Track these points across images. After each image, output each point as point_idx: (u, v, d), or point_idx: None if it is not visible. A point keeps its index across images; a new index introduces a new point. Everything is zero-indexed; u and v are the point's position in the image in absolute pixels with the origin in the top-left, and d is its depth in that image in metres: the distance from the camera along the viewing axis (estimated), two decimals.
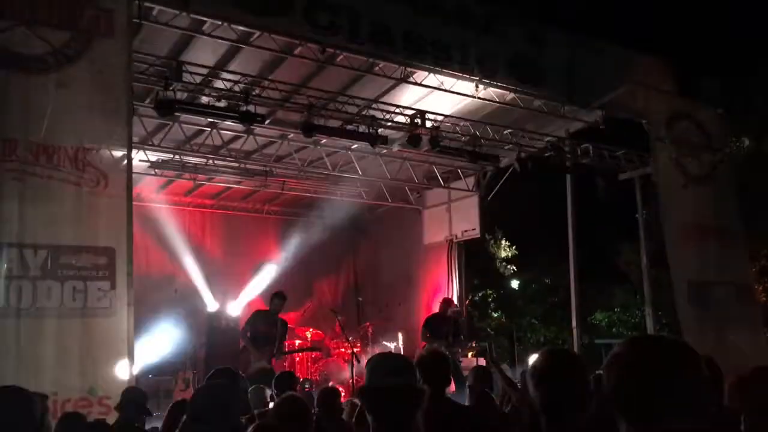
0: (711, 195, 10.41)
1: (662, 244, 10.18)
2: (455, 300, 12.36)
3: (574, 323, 11.75)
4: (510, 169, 11.57)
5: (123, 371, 5.95)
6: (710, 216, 10.27)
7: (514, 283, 19.88)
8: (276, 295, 9.38)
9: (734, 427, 2.99)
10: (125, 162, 6.51)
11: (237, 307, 12.73)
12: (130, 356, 6.13)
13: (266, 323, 9.12)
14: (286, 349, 9.95)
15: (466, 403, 5.35)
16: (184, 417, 2.42)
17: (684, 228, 9.94)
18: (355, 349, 10.59)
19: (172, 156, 10.75)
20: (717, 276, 10.01)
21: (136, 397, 4.90)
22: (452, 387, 8.93)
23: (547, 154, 10.87)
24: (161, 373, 10.64)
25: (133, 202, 7.41)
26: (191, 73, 8.10)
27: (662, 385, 1.67)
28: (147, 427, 5.51)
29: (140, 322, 10.24)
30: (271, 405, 5.90)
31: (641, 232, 11.60)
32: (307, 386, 8.99)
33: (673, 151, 10.16)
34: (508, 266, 19.27)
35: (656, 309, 11.62)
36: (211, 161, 11.05)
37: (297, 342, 11.55)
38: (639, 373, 1.70)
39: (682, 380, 1.68)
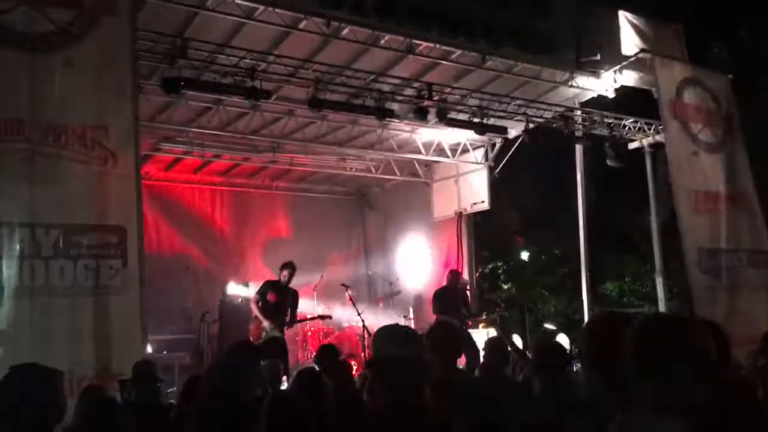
0: (722, 162, 10.31)
1: (673, 213, 10.13)
2: (465, 272, 12.40)
3: (584, 293, 11.76)
4: (519, 141, 11.51)
5: (136, 348, 6.02)
6: (722, 183, 10.19)
7: (524, 255, 19.86)
8: (285, 266, 9.43)
9: (751, 393, 3.01)
10: (133, 140, 6.52)
11: (248, 283, 12.80)
12: (143, 333, 6.20)
13: (276, 292, 9.20)
14: (298, 318, 10.02)
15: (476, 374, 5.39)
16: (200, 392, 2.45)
17: (695, 195, 9.87)
18: (366, 323, 10.67)
19: (179, 134, 10.76)
20: (729, 243, 9.96)
21: (148, 371, 4.94)
22: (463, 359, 9.00)
23: (556, 124, 10.80)
24: (175, 350, 10.75)
25: (142, 181, 7.46)
26: (196, 50, 8.07)
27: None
28: (164, 400, 5.60)
29: (153, 300, 10.37)
30: (285, 379, 5.98)
31: (652, 201, 11.53)
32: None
33: (683, 118, 10.06)
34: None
35: (667, 278, 11.59)
36: (218, 138, 11.05)
37: (308, 315, 11.61)
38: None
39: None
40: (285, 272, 9.36)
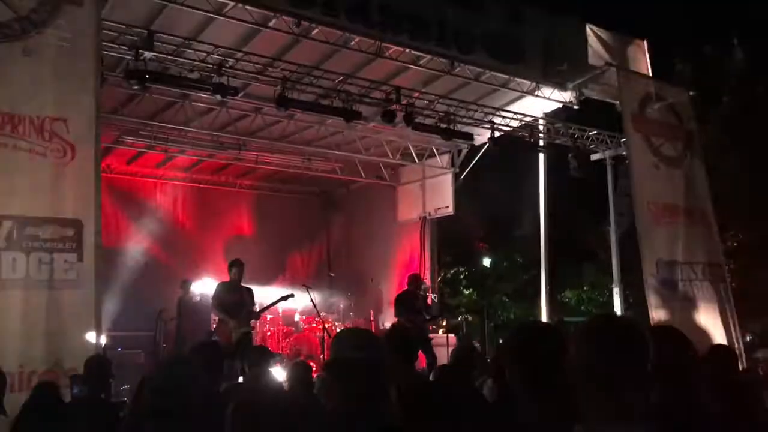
0: (682, 176, 10.53)
1: (632, 225, 10.30)
2: (427, 277, 12.45)
3: (543, 301, 11.90)
4: (484, 147, 11.60)
5: (90, 344, 5.89)
6: (681, 196, 10.40)
7: (486, 261, 20.02)
8: (233, 264, 9.35)
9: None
10: (93, 132, 6.38)
11: (208, 281, 12.65)
12: (98, 329, 6.07)
13: (231, 292, 9.14)
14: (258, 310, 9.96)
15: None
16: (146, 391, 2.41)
17: (654, 208, 10.06)
18: (326, 325, 10.63)
19: (143, 127, 10.59)
20: (686, 256, 10.17)
21: (100, 367, 4.83)
22: (423, 362, 9.03)
23: (521, 133, 10.92)
24: (131, 347, 10.57)
25: (103, 174, 7.32)
26: (163, 43, 7.95)
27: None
28: (116, 399, 5.49)
29: (109, 295, 10.20)
30: (241, 378, 5.92)
31: (611, 212, 11.73)
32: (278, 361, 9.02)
33: (645, 132, 10.25)
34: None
35: (624, 288, 11.79)
36: (183, 133, 10.91)
37: (268, 317, 11.52)
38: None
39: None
40: (234, 270, 9.30)
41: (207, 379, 2.31)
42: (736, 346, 9.69)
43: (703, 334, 9.18)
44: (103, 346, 6.37)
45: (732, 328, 10.15)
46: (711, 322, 9.93)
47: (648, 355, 1.73)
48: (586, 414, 1.74)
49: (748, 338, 11.99)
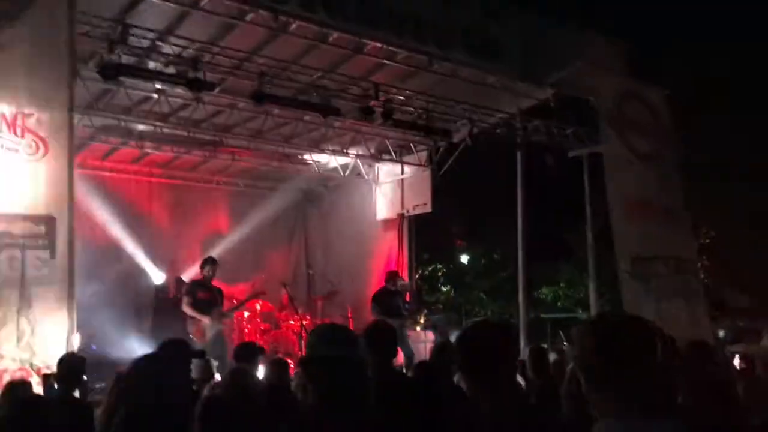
0: (656, 173, 10.66)
1: (608, 221, 10.40)
2: (405, 274, 12.45)
3: (520, 297, 11.96)
4: (462, 144, 11.62)
5: (63, 341, 5.81)
6: (655, 193, 10.53)
7: (464, 258, 20.11)
8: (206, 262, 9.34)
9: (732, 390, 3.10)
10: (67, 128, 6.29)
11: (184, 279, 12.54)
12: (71, 326, 5.99)
13: (204, 290, 9.16)
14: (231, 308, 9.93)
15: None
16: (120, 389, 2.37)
17: (629, 204, 10.17)
18: (304, 322, 10.60)
19: (117, 122, 10.44)
20: (659, 251, 10.29)
21: (73, 366, 4.75)
22: (401, 358, 9.04)
23: (498, 130, 10.96)
24: (106, 344, 10.43)
25: (77, 169, 7.19)
26: (137, 36, 7.84)
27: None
28: (92, 397, 5.40)
29: (84, 292, 10.04)
30: (218, 376, 5.87)
31: (588, 209, 11.82)
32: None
33: (620, 129, 10.34)
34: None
35: (599, 284, 11.90)
36: (158, 129, 10.78)
37: (246, 314, 11.45)
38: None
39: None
40: (207, 268, 9.30)
41: (180, 376, 2.27)
42: (709, 341, 9.83)
43: (677, 329, 9.29)
44: (77, 344, 6.27)
45: (704, 324, 10.30)
46: (684, 317, 10.07)
47: (655, 348, 1.72)
48: (603, 411, 1.71)
49: (720, 333, 12.17)
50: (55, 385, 4.76)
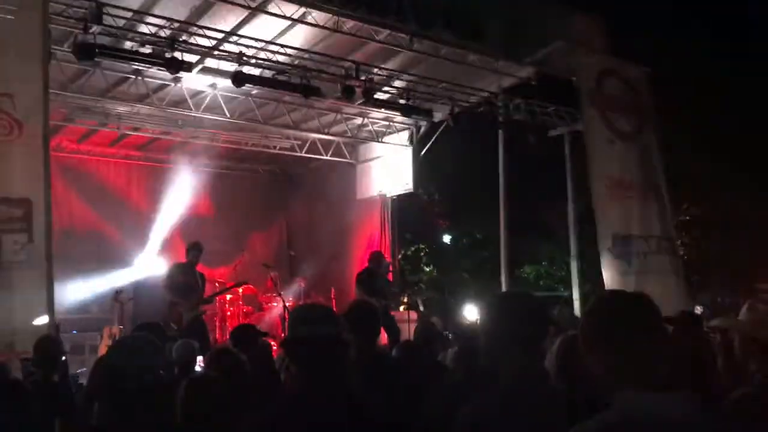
0: (636, 151, 10.71)
1: (589, 199, 10.45)
2: (388, 254, 12.45)
3: (503, 276, 12.02)
4: (443, 124, 11.59)
5: (42, 326, 5.75)
6: (635, 171, 10.58)
7: (446, 238, 20.15)
8: (192, 247, 9.26)
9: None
10: (41, 109, 6.17)
11: (164, 262, 12.45)
12: (50, 310, 5.92)
13: (185, 274, 9.06)
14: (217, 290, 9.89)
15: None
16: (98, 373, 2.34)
17: (610, 183, 10.21)
18: (287, 304, 10.58)
19: (94, 104, 10.28)
20: (640, 230, 10.37)
21: (47, 348, 4.68)
22: (384, 339, 9.05)
23: (479, 110, 10.93)
24: (87, 329, 10.35)
25: (54, 153, 7.09)
26: (113, 16, 7.69)
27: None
28: (73, 382, 5.36)
29: (63, 277, 9.91)
30: (200, 358, 5.84)
31: (569, 188, 11.87)
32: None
33: (601, 107, 10.36)
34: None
35: (581, 262, 11.99)
36: (136, 110, 10.63)
37: (228, 297, 11.40)
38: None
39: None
40: (192, 253, 9.25)
41: (156, 358, 2.25)
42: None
43: (658, 305, 9.39)
44: (56, 327, 6.21)
45: (685, 300, 10.42)
46: (665, 294, 10.17)
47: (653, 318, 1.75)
48: (618, 381, 1.73)
49: (698, 309, 12.32)
50: (33, 369, 4.71)
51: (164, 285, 9.17)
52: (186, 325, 8.65)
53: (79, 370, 8.04)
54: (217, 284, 10.67)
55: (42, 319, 5.79)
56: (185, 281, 8.97)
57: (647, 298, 1.82)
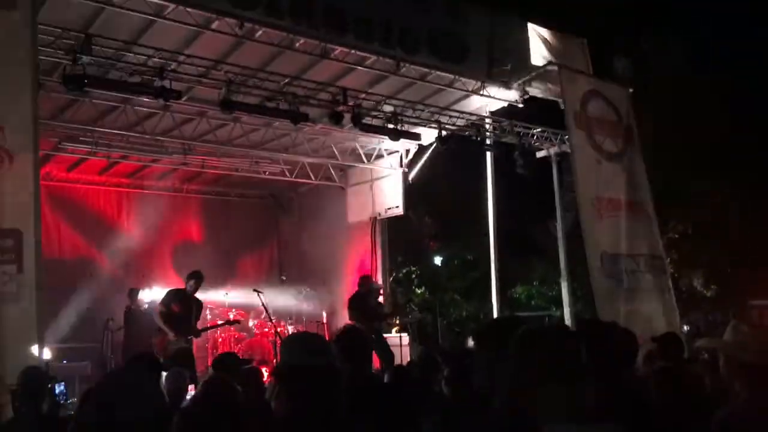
0: (623, 170, 10.80)
1: (578, 220, 10.52)
2: (379, 276, 12.47)
3: (494, 297, 12.05)
4: (432, 147, 11.68)
5: (33, 358, 5.71)
6: (622, 190, 10.66)
7: (437, 259, 20.18)
8: (192, 275, 9.10)
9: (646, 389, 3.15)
10: (31, 139, 6.19)
11: (156, 290, 12.40)
12: (40, 342, 5.88)
13: (181, 303, 8.89)
14: (208, 325, 9.79)
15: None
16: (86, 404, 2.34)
17: (598, 202, 10.28)
18: (278, 329, 10.56)
19: (83, 133, 10.31)
20: (629, 248, 10.42)
21: (32, 379, 4.56)
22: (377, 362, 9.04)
23: (467, 132, 11.04)
24: (77, 359, 10.28)
25: (43, 182, 7.09)
26: (102, 47, 7.75)
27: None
28: (64, 413, 5.30)
29: (53, 307, 9.90)
30: (192, 388, 5.82)
31: (558, 208, 11.96)
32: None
33: (587, 129, 10.47)
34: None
35: (572, 282, 12.04)
36: (125, 138, 10.67)
37: (218, 321, 11.36)
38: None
39: None
40: (192, 282, 9.03)
41: (148, 389, 2.25)
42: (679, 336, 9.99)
43: (647, 324, 9.43)
44: (46, 360, 6.17)
45: (673, 318, 10.48)
46: (654, 313, 10.22)
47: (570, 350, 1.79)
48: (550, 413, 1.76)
49: (685, 328, 12.38)
50: (20, 402, 4.62)
51: (157, 311, 9.05)
52: (172, 354, 8.52)
53: (69, 401, 7.96)
54: (208, 311, 10.61)
55: (32, 351, 5.75)
56: (179, 311, 8.82)
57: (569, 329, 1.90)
